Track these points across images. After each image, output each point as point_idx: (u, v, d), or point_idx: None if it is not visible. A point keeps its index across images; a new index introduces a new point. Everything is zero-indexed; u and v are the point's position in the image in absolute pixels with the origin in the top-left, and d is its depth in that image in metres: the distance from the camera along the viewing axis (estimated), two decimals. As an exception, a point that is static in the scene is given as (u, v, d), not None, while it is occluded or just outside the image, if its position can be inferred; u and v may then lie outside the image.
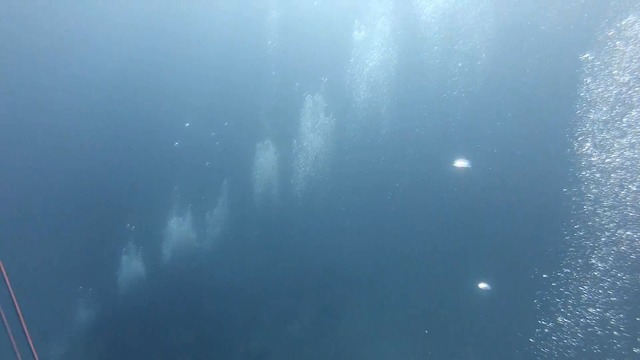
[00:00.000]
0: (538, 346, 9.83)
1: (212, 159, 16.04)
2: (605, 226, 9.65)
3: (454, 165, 12.44)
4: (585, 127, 10.58)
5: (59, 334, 12.09)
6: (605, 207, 9.74)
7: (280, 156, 14.75)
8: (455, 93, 13.10)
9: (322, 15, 16.54)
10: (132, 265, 13.59)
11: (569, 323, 9.54)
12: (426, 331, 11.26)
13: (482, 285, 10.76)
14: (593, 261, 9.69)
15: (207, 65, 17.01)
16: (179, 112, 16.63)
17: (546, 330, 9.85)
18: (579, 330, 9.37)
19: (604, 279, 9.41)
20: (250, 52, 16.82)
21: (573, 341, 9.34)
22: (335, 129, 14.20)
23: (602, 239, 9.65)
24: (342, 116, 14.25)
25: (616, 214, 9.58)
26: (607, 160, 9.93)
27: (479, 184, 12.88)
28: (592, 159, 10.23)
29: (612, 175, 9.77)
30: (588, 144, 10.43)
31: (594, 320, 9.25)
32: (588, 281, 9.65)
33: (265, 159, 14.77)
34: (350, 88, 14.10)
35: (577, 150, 10.63)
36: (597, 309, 9.28)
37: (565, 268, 10.15)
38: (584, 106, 10.63)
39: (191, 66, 17.26)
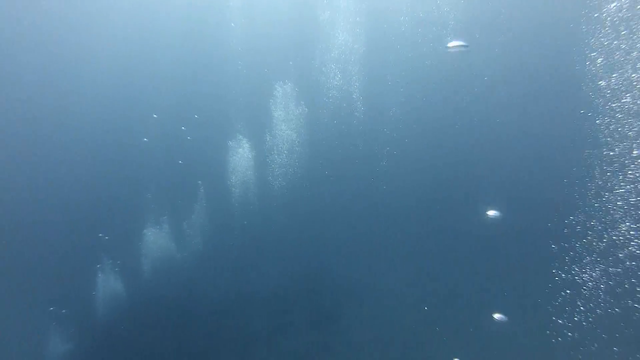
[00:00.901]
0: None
1: (185, 157, 15.20)
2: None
3: (448, 46, 11.41)
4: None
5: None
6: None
7: (255, 151, 14.07)
8: (427, 63, 12.71)
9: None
10: (108, 283, 12.55)
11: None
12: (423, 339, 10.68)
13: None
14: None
15: (169, 56, 16.02)
16: (144, 107, 15.53)
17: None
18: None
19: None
20: (214, 39, 15.94)
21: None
22: (307, 117, 13.58)
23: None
24: (313, 103, 13.66)
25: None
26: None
27: (460, 161, 12.66)
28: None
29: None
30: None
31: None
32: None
33: (241, 156, 14.06)
34: (319, 72, 13.54)
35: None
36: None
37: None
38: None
39: (152, 57, 16.17)
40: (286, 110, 13.69)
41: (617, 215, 9.10)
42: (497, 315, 9.85)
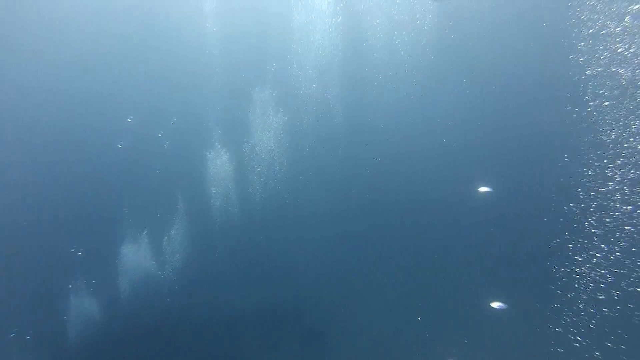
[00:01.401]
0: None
1: (162, 165, 14.55)
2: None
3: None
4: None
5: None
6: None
7: (235, 159, 13.60)
8: (405, 69, 12.69)
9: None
10: (81, 305, 11.48)
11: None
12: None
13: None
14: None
15: (142, 58, 15.34)
16: (119, 111, 14.72)
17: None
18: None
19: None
20: (189, 43, 15.36)
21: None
22: (287, 123, 13.22)
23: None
24: (293, 108, 13.36)
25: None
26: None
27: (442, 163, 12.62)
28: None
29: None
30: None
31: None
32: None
33: (219, 165, 13.57)
34: (297, 76, 13.28)
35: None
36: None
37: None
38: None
39: (127, 61, 15.43)
40: (264, 117, 13.37)
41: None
42: (495, 304, 9.66)
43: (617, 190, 9.27)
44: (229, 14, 14.97)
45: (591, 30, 10.06)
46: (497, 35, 12.03)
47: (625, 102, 9.48)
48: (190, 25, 15.17)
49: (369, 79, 13.17)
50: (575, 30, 10.38)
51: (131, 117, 14.70)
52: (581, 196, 9.88)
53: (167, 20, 15.51)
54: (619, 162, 9.35)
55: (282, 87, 13.32)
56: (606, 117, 9.71)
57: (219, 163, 13.46)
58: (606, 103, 9.69)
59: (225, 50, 14.80)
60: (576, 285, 9.40)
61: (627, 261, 8.87)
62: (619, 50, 9.53)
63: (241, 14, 15.24)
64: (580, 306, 9.20)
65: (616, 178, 9.30)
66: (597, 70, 9.80)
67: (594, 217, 9.52)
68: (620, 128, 9.47)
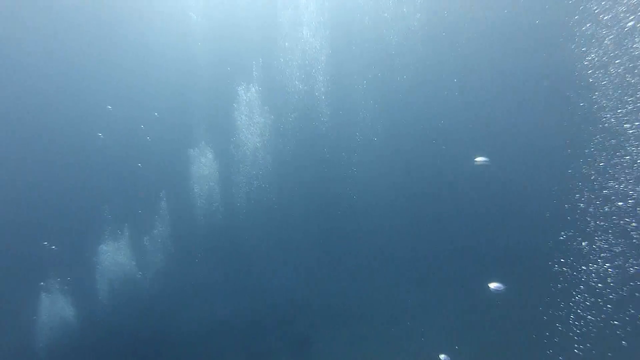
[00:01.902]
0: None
1: (144, 160, 14.05)
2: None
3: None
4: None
5: None
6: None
7: (220, 157, 13.21)
8: (396, 62, 12.45)
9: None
10: (55, 305, 10.70)
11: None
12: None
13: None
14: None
15: (126, 50, 14.70)
16: (99, 101, 14.04)
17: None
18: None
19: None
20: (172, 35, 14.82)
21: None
22: (273, 121, 12.88)
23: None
24: (280, 106, 13.03)
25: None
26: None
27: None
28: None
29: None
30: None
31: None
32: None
33: (204, 163, 13.19)
34: (284, 72, 12.98)
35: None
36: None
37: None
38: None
39: (108, 52, 14.77)
40: (250, 113, 13.05)
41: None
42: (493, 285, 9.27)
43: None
44: (213, 4, 14.52)
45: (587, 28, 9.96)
46: (489, 32, 11.90)
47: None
48: (174, 16, 14.66)
49: (356, 75, 12.96)
50: (570, 27, 10.30)
51: (110, 106, 14.15)
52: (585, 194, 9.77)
53: (150, 9, 14.94)
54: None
55: (269, 83, 13.01)
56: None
57: (204, 161, 13.12)
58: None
59: (209, 40, 14.37)
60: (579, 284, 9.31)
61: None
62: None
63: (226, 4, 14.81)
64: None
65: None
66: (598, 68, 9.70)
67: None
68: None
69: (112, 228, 12.35)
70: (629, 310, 8.71)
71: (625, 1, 9.21)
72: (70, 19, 14.52)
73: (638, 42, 9.06)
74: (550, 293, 9.61)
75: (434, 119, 12.51)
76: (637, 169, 8.99)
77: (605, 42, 9.52)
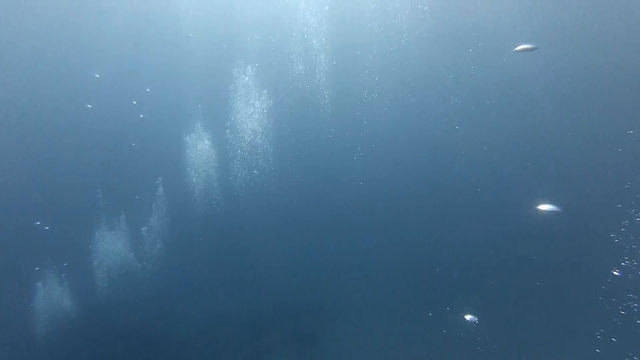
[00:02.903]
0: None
1: (137, 140, 13.73)
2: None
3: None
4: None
5: None
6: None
7: (216, 145, 12.85)
8: (399, 54, 12.11)
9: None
10: (50, 293, 10.17)
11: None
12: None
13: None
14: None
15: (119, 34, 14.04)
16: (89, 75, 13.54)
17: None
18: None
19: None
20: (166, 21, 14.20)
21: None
22: (271, 107, 12.42)
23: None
24: (277, 92, 12.61)
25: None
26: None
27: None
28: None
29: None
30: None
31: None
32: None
33: (199, 150, 12.85)
34: (284, 59, 12.52)
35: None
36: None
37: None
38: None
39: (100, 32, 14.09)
40: (246, 99, 12.64)
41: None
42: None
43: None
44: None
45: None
46: (489, 35, 11.61)
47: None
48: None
49: (360, 69, 12.61)
50: (571, 28, 10.03)
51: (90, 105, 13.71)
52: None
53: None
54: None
55: (267, 70, 12.55)
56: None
57: (200, 148, 12.81)
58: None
59: (203, 21, 13.79)
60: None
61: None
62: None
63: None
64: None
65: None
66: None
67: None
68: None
69: (107, 216, 12.11)
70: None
71: None
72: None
73: None
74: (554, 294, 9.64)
75: (440, 111, 12.29)
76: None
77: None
